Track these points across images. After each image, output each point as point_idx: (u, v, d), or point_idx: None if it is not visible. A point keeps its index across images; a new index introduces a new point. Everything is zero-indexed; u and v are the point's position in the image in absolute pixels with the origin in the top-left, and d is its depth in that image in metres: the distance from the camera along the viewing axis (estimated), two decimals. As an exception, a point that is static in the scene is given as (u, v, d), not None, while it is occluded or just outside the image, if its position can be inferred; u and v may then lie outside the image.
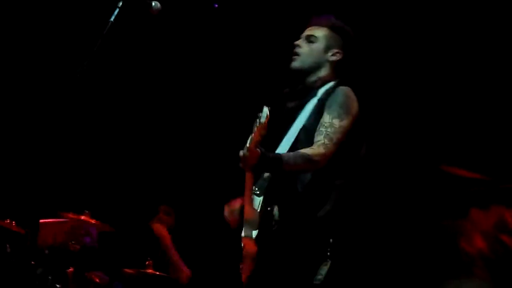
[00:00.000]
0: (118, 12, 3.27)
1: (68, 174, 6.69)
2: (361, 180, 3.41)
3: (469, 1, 5.55)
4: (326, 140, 3.20)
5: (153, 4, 3.39)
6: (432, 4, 5.68)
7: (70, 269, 5.79)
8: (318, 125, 3.27)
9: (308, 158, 3.16)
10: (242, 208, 3.34)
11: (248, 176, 3.17)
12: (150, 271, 6.00)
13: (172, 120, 7.10)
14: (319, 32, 3.51)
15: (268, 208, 3.26)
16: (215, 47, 6.65)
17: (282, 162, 3.11)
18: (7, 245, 5.79)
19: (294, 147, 3.28)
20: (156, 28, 6.27)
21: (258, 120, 3.02)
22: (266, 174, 3.32)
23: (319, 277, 3.17)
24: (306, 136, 3.28)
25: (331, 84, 3.43)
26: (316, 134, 3.24)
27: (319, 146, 3.19)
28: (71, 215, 5.91)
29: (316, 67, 3.47)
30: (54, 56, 6.55)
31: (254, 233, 3.20)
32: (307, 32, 3.54)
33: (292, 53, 3.48)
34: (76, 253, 5.87)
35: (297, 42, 3.51)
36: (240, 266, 3.24)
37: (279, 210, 3.26)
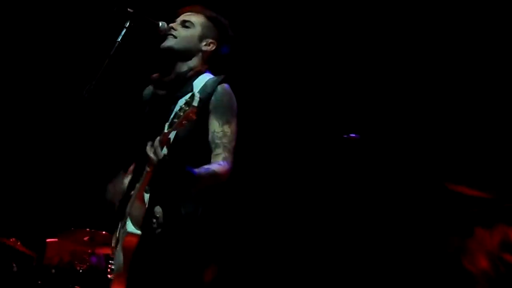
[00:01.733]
0: (125, 32, 3.29)
1: (75, 194, 6.69)
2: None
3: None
4: (226, 154, 3.17)
5: (160, 24, 3.41)
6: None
7: (76, 289, 5.79)
8: (210, 134, 3.20)
9: (216, 176, 3.10)
10: (125, 198, 3.26)
11: (149, 172, 3.06)
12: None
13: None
14: (196, 19, 3.42)
15: (152, 208, 3.14)
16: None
17: (196, 179, 3.01)
18: (14, 265, 5.79)
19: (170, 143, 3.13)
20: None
21: (186, 104, 2.87)
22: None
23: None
24: (183, 135, 3.14)
25: (207, 78, 3.35)
26: (213, 146, 3.19)
27: (223, 160, 3.15)
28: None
29: (188, 53, 3.37)
30: (61, 77, 6.57)
31: (138, 230, 3.10)
32: (183, 17, 3.44)
33: (163, 31, 3.36)
34: (83, 272, 5.87)
35: (172, 25, 3.40)
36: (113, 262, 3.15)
37: (163, 212, 3.15)
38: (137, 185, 3.18)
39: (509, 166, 5.00)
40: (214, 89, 3.27)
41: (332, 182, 5.95)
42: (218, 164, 3.14)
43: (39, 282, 5.72)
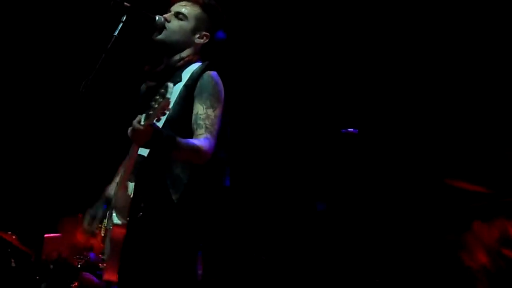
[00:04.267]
0: (122, 27, 3.28)
1: (72, 189, 6.69)
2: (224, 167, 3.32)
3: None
4: (208, 134, 3.14)
5: (157, 18, 3.40)
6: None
7: (74, 284, 5.77)
8: (192, 117, 3.19)
9: (197, 149, 3.06)
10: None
11: (131, 160, 3.08)
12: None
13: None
14: (190, 10, 3.41)
15: (138, 197, 3.15)
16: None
17: (175, 143, 2.98)
18: (12, 260, 5.79)
19: None
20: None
21: (160, 96, 2.83)
22: (139, 158, 3.20)
23: (199, 271, 3.10)
24: (171, 123, 3.17)
25: (196, 66, 3.34)
26: (195, 127, 3.17)
27: (205, 140, 3.11)
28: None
29: (181, 46, 3.38)
30: (59, 72, 6.56)
31: (124, 221, 3.10)
32: (177, 8, 3.44)
33: (160, 25, 3.37)
34: (81, 268, 5.86)
35: (166, 16, 3.40)
36: (102, 257, 3.16)
37: (145, 199, 3.15)
38: (121, 174, 3.18)
39: (508, 161, 5.00)
40: (199, 76, 3.27)
41: (330, 177, 5.94)
42: (199, 141, 3.11)
43: (37, 277, 5.71)
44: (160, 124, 3.14)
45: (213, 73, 3.31)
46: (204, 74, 3.28)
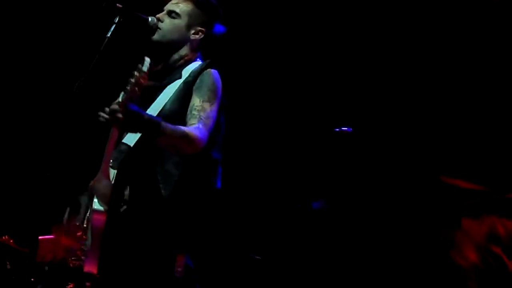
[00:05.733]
0: (114, 28, 3.29)
1: (66, 191, 6.68)
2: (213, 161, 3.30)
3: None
4: (201, 125, 3.08)
5: (150, 19, 3.42)
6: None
7: (70, 286, 5.76)
8: (188, 109, 3.15)
9: (185, 136, 2.98)
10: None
11: (111, 144, 3.05)
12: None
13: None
14: (182, 7, 3.43)
15: (120, 185, 3.10)
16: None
17: (160, 127, 2.88)
18: (7, 262, 5.78)
19: None
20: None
21: (137, 71, 2.80)
22: (124, 147, 3.18)
23: (179, 269, 3.06)
24: (168, 118, 3.08)
25: (196, 64, 3.36)
26: (189, 117, 3.13)
27: (195, 128, 3.06)
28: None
29: (177, 44, 3.39)
30: (51, 73, 6.55)
31: (104, 207, 3.05)
32: (170, 6, 3.45)
33: (153, 26, 3.37)
34: (76, 269, 5.85)
35: (159, 16, 3.41)
36: (83, 242, 3.13)
37: (130, 190, 3.12)
38: (102, 161, 3.16)
39: (502, 158, 5.02)
40: (199, 73, 3.28)
41: (324, 176, 5.95)
42: (189, 128, 3.05)
43: (32, 279, 5.71)
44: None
45: (214, 71, 3.32)
46: (204, 71, 3.29)
